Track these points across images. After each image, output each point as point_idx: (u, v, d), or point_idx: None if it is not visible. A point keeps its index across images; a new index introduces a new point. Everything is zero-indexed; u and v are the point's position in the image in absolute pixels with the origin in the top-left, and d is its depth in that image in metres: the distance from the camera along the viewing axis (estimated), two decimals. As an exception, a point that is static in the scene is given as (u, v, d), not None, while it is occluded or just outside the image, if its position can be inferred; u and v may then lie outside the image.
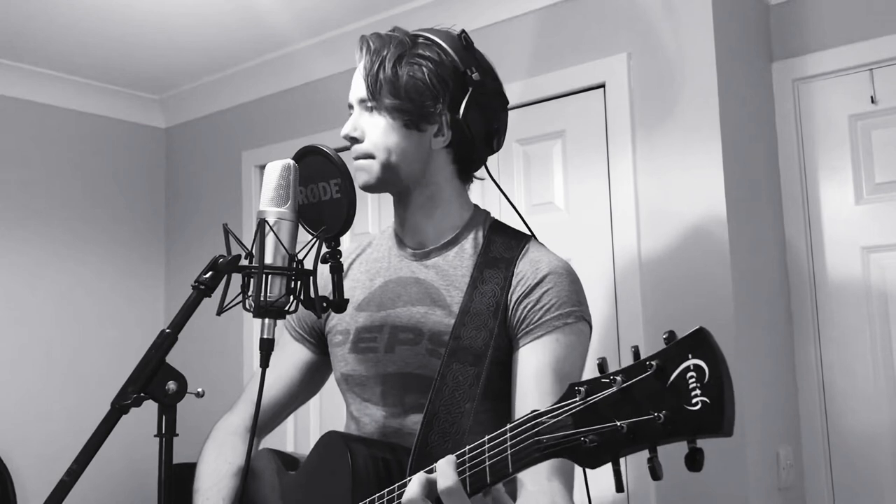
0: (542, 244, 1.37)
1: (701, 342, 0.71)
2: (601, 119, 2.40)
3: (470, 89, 1.31)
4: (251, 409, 1.46)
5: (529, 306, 1.25)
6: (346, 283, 1.40)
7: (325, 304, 1.18)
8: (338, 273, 1.24)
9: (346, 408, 1.42)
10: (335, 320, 1.42)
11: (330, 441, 1.24)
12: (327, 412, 2.97)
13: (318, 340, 1.49)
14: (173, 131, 3.87)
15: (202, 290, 1.08)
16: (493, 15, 2.65)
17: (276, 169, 1.13)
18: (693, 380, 0.70)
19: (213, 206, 3.60)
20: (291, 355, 1.50)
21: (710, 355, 0.70)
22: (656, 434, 0.72)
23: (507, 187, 2.60)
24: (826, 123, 2.31)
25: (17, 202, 3.35)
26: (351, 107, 1.34)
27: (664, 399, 0.72)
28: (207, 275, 1.09)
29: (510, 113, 2.61)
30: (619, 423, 0.75)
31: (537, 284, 1.26)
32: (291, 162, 1.15)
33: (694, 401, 0.70)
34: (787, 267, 2.34)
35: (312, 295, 1.14)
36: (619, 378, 0.76)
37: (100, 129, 3.66)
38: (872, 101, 2.22)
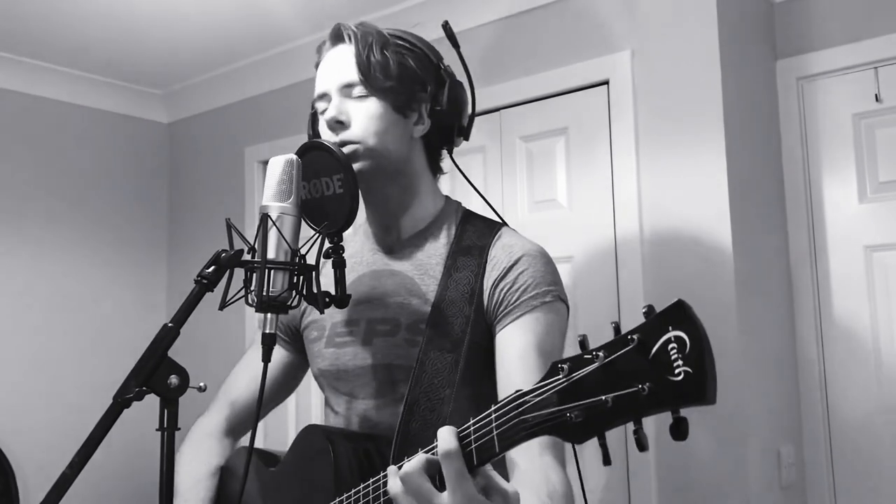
0: (514, 231, 1.37)
1: (681, 314, 0.72)
2: (604, 116, 2.40)
3: (448, 80, 1.33)
4: (228, 410, 1.46)
5: (506, 289, 1.25)
6: (321, 282, 1.40)
7: (327, 300, 1.18)
8: (340, 268, 1.24)
9: (325, 403, 1.42)
10: (311, 316, 1.42)
11: (310, 435, 1.24)
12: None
13: (293, 339, 1.48)
14: (176, 126, 3.88)
15: (205, 284, 1.08)
16: (497, 11, 2.65)
17: (279, 164, 1.13)
18: (675, 351, 0.71)
19: (216, 202, 3.61)
20: None
21: (691, 326, 0.71)
22: (641, 406, 0.73)
23: (510, 184, 2.60)
24: (830, 122, 2.30)
25: (19, 197, 3.35)
26: (323, 96, 1.31)
27: (647, 371, 0.73)
28: (210, 269, 1.09)
29: (513, 109, 2.63)
30: (603, 398, 0.75)
31: (512, 267, 1.27)
32: (294, 157, 1.15)
33: (677, 371, 0.70)
34: (789, 265, 2.34)
35: (315, 290, 1.14)
36: (601, 354, 0.77)
37: (102, 123, 3.66)
38: (877, 100, 2.22)
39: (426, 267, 1.32)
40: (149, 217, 3.80)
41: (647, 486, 2.18)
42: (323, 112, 1.31)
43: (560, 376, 0.80)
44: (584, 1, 2.46)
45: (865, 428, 2.20)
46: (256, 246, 1.10)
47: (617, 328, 0.77)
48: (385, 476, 1.01)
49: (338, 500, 1.13)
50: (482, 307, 1.26)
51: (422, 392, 1.22)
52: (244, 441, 1.52)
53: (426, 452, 0.93)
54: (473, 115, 1.39)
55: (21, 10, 2.85)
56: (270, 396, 1.50)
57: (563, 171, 2.50)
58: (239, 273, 1.11)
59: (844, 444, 2.23)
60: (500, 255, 1.29)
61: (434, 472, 0.91)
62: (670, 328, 0.72)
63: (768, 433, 2.15)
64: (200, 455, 1.40)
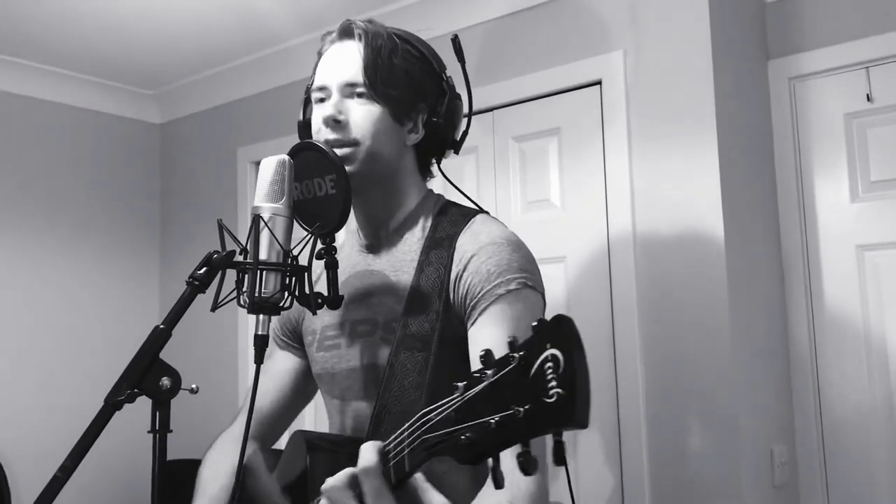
0: (493, 218, 1.33)
1: (557, 331, 0.68)
2: (597, 116, 2.40)
3: (448, 93, 1.32)
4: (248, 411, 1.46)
5: (470, 279, 1.22)
6: (316, 286, 1.38)
7: (319, 301, 1.18)
8: (332, 269, 1.24)
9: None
10: (307, 322, 1.42)
11: (294, 441, 1.24)
12: (322, 414, 2.97)
13: (302, 344, 1.48)
14: (168, 127, 3.86)
15: (196, 285, 1.08)
16: (490, 12, 2.65)
17: (272, 164, 1.12)
18: (550, 370, 0.67)
19: (208, 202, 3.60)
20: (280, 364, 1.49)
21: (565, 344, 0.67)
22: (520, 429, 0.69)
23: (503, 184, 2.60)
24: (822, 121, 2.31)
25: (10, 198, 3.33)
26: (323, 89, 1.29)
27: (527, 392, 0.69)
28: (202, 270, 1.08)
29: (506, 110, 2.63)
30: (489, 419, 0.72)
31: (475, 255, 1.22)
32: (287, 157, 1.14)
33: (551, 392, 0.67)
34: (782, 264, 2.35)
35: (307, 291, 1.13)
36: (489, 372, 0.74)
37: (94, 124, 3.65)
38: (868, 100, 2.23)
39: (401, 263, 1.30)
40: (141, 218, 3.78)
41: (640, 487, 2.18)
42: (318, 102, 1.29)
43: (456, 395, 0.78)
44: (577, 1, 2.47)
45: (858, 427, 2.21)
46: (248, 247, 1.09)
47: (511, 343, 0.73)
48: None
49: None
50: (449, 300, 1.23)
51: (391, 396, 1.21)
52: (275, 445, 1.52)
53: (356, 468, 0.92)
54: (467, 130, 1.38)
55: (12, 11, 2.84)
56: (289, 405, 1.50)
57: (555, 172, 2.50)
58: (231, 274, 1.11)
59: (837, 442, 2.23)
60: (466, 243, 1.25)
61: (360, 490, 0.90)
62: (548, 346, 0.68)
63: (761, 432, 2.15)
64: (226, 453, 1.41)
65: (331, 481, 0.91)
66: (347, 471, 0.91)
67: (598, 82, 2.40)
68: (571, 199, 2.45)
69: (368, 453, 0.88)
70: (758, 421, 2.14)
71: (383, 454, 0.87)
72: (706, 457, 2.08)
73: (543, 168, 2.52)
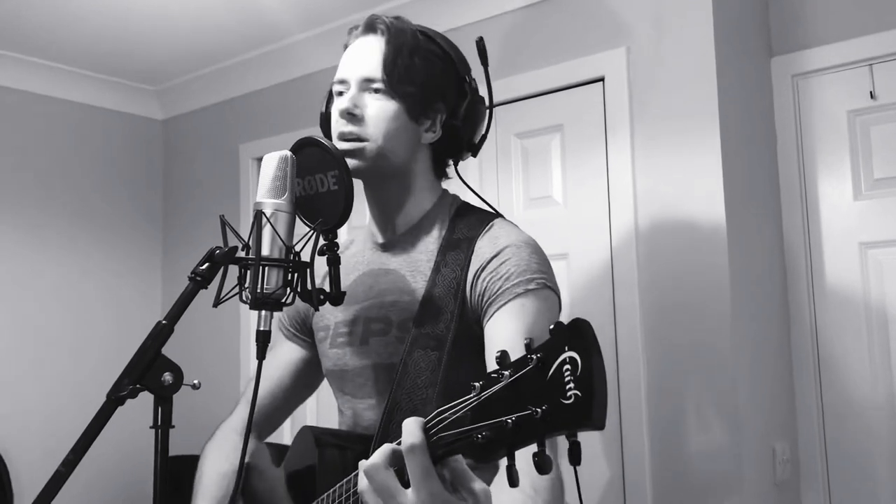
0: (509, 222, 1.35)
1: (575, 333, 0.70)
2: (600, 113, 2.40)
3: (469, 95, 1.32)
4: (250, 408, 1.46)
5: (489, 278, 1.23)
6: (320, 283, 1.38)
7: (321, 297, 1.18)
8: (335, 265, 1.24)
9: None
10: (318, 316, 1.42)
11: (302, 438, 1.25)
12: (324, 408, 2.97)
13: (310, 337, 1.48)
14: (170, 123, 3.86)
15: (199, 281, 1.08)
16: (492, 8, 2.65)
17: (274, 160, 1.12)
18: (568, 373, 0.69)
19: (211, 198, 3.60)
20: (284, 354, 1.50)
21: (583, 347, 0.69)
22: (537, 428, 0.71)
23: (505, 181, 2.59)
24: (825, 119, 2.30)
25: (12, 193, 3.34)
26: (343, 82, 1.30)
27: (544, 393, 0.71)
28: (204, 266, 1.08)
29: (509, 106, 2.62)
30: (505, 419, 0.74)
31: (495, 256, 1.24)
32: (289, 153, 1.14)
33: (568, 394, 0.69)
34: (784, 262, 2.34)
35: (309, 287, 1.13)
36: (506, 373, 0.75)
37: (96, 120, 3.65)
38: (872, 97, 2.22)
39: (417, 263, 1.31)
40: (143, 214, 3.79)
41: (641, 484, 2.18)
42: (338, 95, 1.30)
43: (472, 395, 0.79)
44: (580, -2, 2.46)
45: (860, 425, 2.20)
46: (251, 243, 1.09)
47: (528, 345, 0.75)
48: (356, 477, 0.99)
49: (317, 500, 1.13)
50: (465, 301, 1.24)
51: (404, 393, 1.21)
52: (270, 438, 1.52)
53: (395, 443, 0.88)
54: (486, 134, 1.38)
55: (14, 7, 2.84)
56: (289, 396, 1.50)
57: (558, 168, 2.50)
58: (233, 270, 1.11)
59: (839, 440, 2.23)
60: (484, 246, 1.27)
61: (400, 464, 0.86)
62: (566, 348, 0.70)
63: (763, 430, 2.15)
64: (224, 451, 1.41)
65: (371, 460, 0.87)
66: (387, 448, 0.88)
67: (601, 79, 2.40)
68: (574, 196, 2.45)
69: (414, 429, 0.84)
70: (760, 418, 2.14)
71: (426, 432, 0.84)
72: (708, 454, 2.08)
73: (546, 165, 2.52)
